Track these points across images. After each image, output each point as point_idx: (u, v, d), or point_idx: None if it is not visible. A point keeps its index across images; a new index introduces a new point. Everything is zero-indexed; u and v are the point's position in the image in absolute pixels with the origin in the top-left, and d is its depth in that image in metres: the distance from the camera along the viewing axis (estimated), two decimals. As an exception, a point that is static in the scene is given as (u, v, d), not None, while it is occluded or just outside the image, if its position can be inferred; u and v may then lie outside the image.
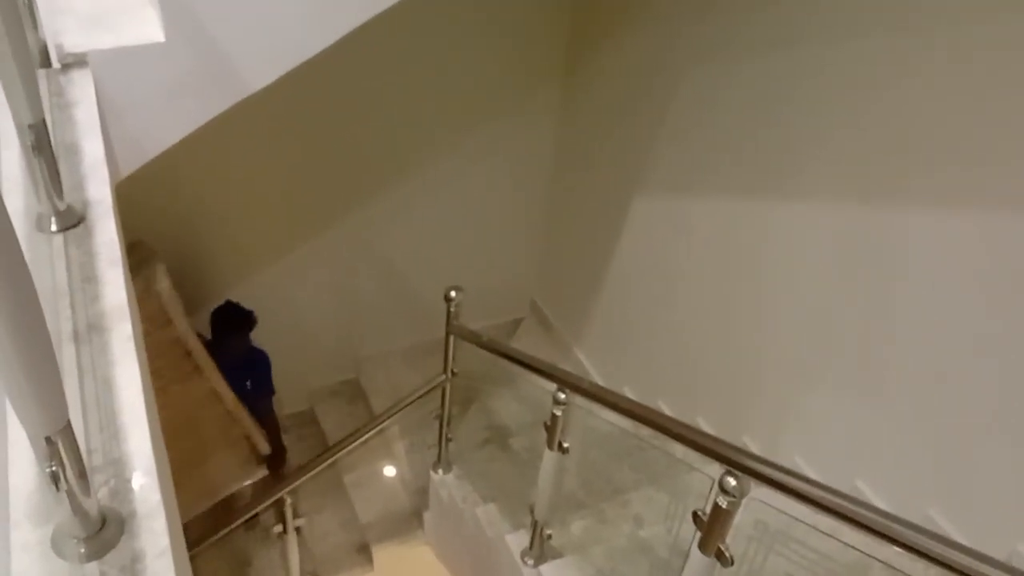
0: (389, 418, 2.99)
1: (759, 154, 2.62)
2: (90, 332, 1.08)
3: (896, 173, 2.11)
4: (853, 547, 1.43)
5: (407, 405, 2.94)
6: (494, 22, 3.54)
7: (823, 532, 1.50)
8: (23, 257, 0.63)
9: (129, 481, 0.90)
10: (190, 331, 2.86)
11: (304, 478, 2.93)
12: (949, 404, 2.08)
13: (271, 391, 3.48)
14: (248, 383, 3.29)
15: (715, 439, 1.54)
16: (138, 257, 2.78)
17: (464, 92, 3.67)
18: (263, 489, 3.16)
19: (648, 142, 3.23)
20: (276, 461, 3.50)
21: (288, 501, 2.90)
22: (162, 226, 3.16)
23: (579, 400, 2.07)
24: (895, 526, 1.23)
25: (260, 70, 1.79)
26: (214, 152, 3.14)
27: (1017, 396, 1.89)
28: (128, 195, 2.94)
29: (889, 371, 2.26)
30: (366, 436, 3.01)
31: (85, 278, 1.15)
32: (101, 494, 0.86)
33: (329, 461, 2.97)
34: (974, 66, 1.85)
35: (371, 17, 1.87)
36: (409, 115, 3.61)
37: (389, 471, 3.94)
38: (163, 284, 2.74)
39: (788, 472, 1.38)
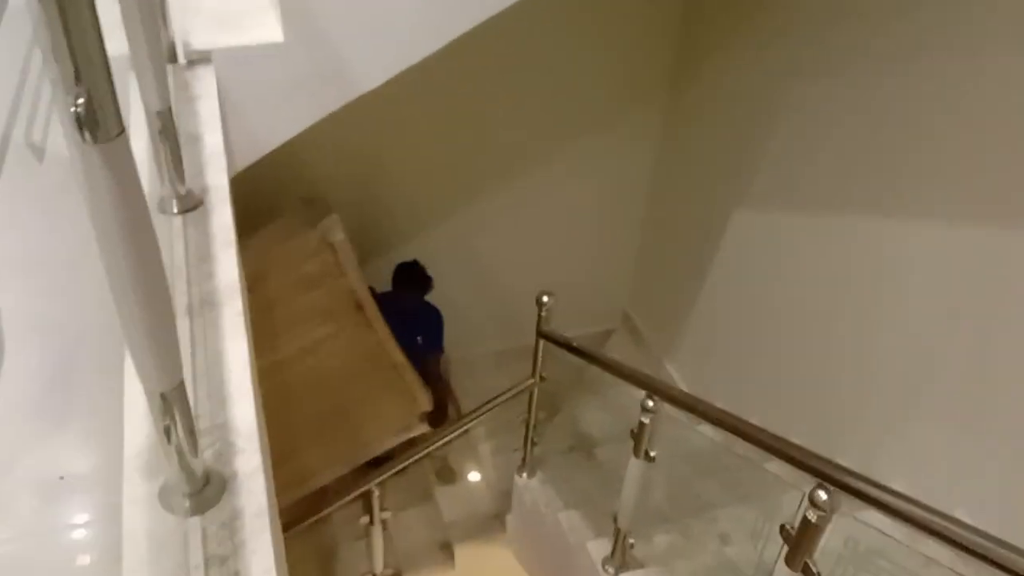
0: (477, 418, 3.02)
1: (866, 172, 2.54)
2: (203, 307, 1.15)
3: (1012, 190, 2.02)
4: (942, 563, 1.37)
5: (495, 407, 2.97)
6: (603, 37, 3.57)
7: (922, 554, 1.44)
8: (155, 236, 0.69)
9: (233, 445, 0.95)
10: (362, 283, 3.02)
11: (392, 471, 3.00)
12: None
13: (440, 350, 3.63)
14: (419, 338, 3.46)
15: (806, 451, 1.50)
16: (316, 211, 2.98)
17: (571, 101, 3.71)
18: (353, 480, 3.25)
19: (750, 158, 3.18)
20: (439, 416, 3.59)
21: (376, 493, 2.96)
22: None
23: (669, 411, 2.05)
24: (986, 543, 1.17)
25: (370, 72, 1.86)
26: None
27: None
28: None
29: (998, 401, 2.15)
30: (454, 435, 3.06)
31: (201, 257, 1.23)
32: (206, 455, 0.92)
33: (417, 456, 3.03)
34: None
35: (477, 23, 1.92)
36: (515, 121, 3.68)
37: (474, 473, 3.99)
38: (338, 236, 2.91)
39: (881, 487, 1.33)
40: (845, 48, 2.57)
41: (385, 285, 3.46)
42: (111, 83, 0.61)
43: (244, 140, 1.77)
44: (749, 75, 3.17)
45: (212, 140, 1.53)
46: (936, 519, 1.25)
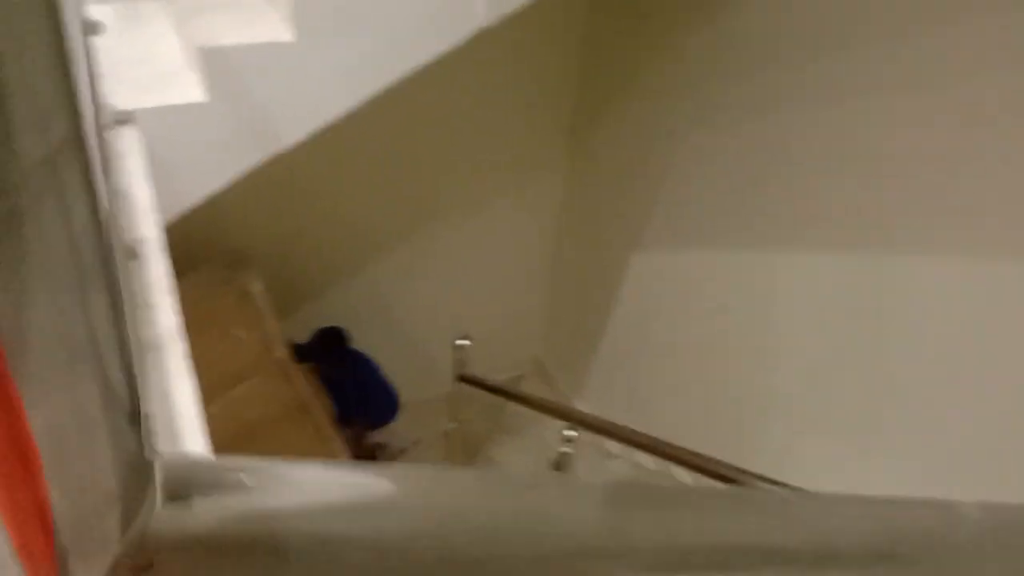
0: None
1: (757, 209, 2.77)
2: (150, 351, 1.20)
3: (890, 225, 2.25)
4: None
5: (414, 452, 3.02)
6: (506, 90, 3.74)
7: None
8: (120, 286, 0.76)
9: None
10: (279, 335, 3.03)
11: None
12: (944, 451, 2.17)
13: (391, 402, 3.56)
14: (368, 413, 3.45)
15: (715, 460, 1.64)
16: (235, 264, 3.02)
17: (478, 153, 3.85)
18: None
19: (652, 201, 3.39)
20: None
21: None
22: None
23: (587, 442, 2.17)
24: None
25: (293, 128, 1.95)
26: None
27: (1006, 438, 1.99)
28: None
29: (887, 419, 2.36)
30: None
31: (142, 305, 1.28)
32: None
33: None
34: (961, 121, 2.01)
35: (393, 82, 2.04)
36: (425, 174, 3.79)
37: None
38: (256, 288, 2.95)
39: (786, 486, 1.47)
40: (728, 99, 2.81)
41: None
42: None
43: (169, 195, 1.81)
44: (641, 125, 3.40)
45: (141, 195, 1.58)
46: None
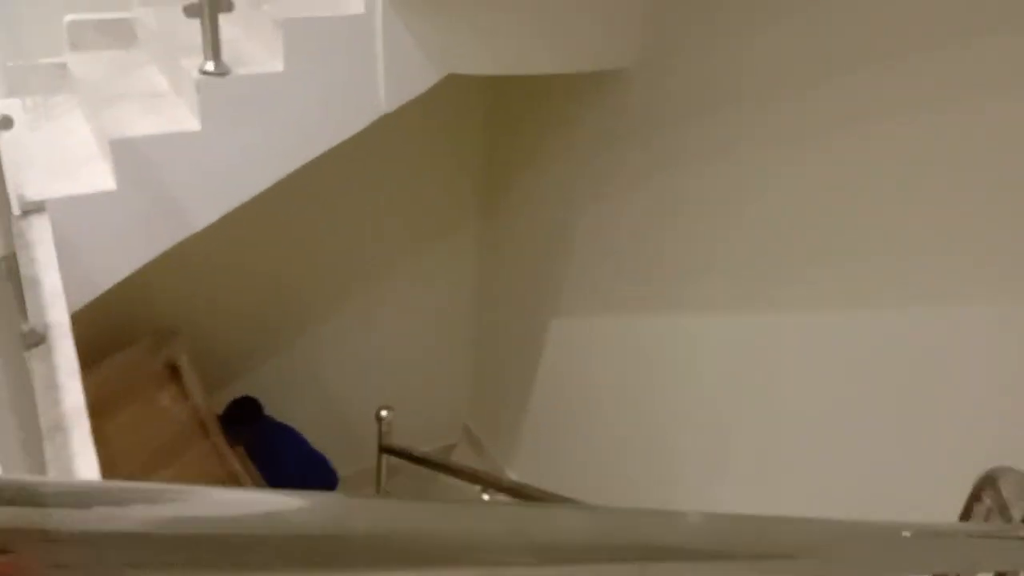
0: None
1: (655, 271, 2.93)
2: (54, 432, 1.25)
3: (770, 278, 2.43)
4: None
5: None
6: (419, 159, 3.89)
7: None
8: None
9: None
10: (209, 408, 3.06)
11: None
12: (830, 489, 2.31)
13: (327, 473, 3.56)
14: (283, 458, 3.41)
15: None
16: (161, 336, 3.04)
17: (395, 226, 3.97)
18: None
19: (563, 266, 3.54)
20: None
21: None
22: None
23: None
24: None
25: (202, 211, 2.03)
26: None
27: (882, 473, 2.14)
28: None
29: (778, 462, 2.50)
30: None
31: (49, 387, 1.33)
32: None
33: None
34: (832, 172, 2.20)
35: (302, 164, 2.15)
36: (344, 246, 3.87)
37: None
38: (182, 360, 2.99)
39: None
40: (621, 166, 3.00)
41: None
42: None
43: (82, 279, 1.86)
44: (545, 194, 3.58)
45: (50, 282, 1.63)
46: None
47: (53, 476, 1.15)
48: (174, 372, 3.00)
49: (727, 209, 2.54)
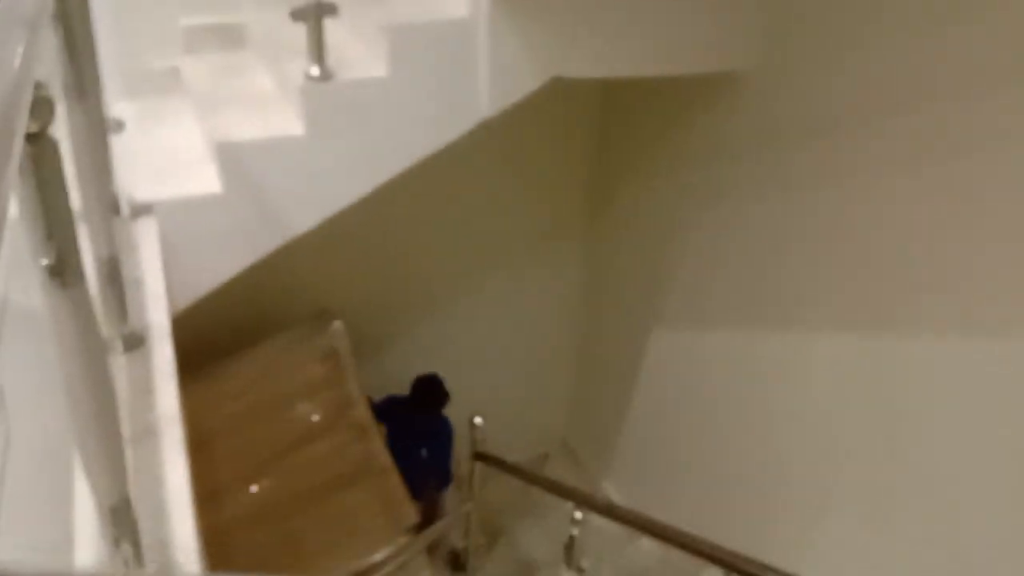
0: (414, 548, 3.04)
1: (768, 289, 2.78)
2: (146, 436, 1.24)
3: (887, 300, 2.25)
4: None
5: (434, 534, 3.00)
6: (523, 169, 3.84)
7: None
8: (108, 365, 0.81)
9: (174, 560, 1.03)
10: (360, 393, 3.08)
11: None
12: (962, 538, 2.11)
13: (445, 469, 3.55)
14: (424, 451, 3.41)
15: (731, 553, 1.61)
16: (321, 320, 3.08)
17: (499, 233, 3.93)
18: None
19: (668, 279, 3.41)
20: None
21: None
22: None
23: (605, 526, 2.15)
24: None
25: (304, 216, 2.03)
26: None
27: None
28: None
29: (903, 502, 2.30)
30: (389, 567, 3.05)
31: (144, 390, 1.33)
32: (149, 569, 1.00)
33: (356, 591, 3.01)
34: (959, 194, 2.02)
35: (399, 172, 2.12)
36: (447, 254, 3.86)
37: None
38: (342, 344, 3.02)
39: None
40: (733, 182, 2.86)
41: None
42: (76, 242, 0.74)
43: (185, 282, 1.89)
44: (656, 206, 3.45)
45: (153, 284, 1.65)
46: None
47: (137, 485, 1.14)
48: (332, 354, 3.06)
49: (844, 232, 2.37)
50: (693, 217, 3.15)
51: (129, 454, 1.19)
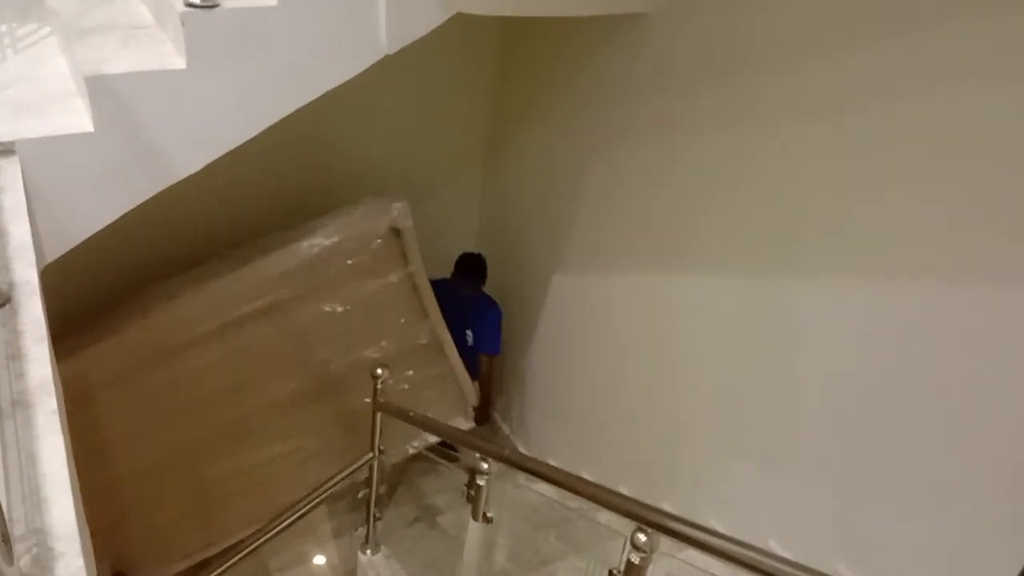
0: (316, 501, 2.97)
1: (663, 229, 2.79)
2: (15, 407, 1.11)
3: (783, 244, 2.29)
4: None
5: (334, 486, 2.93)
6: (418, 108, 3.72)
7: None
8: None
9: (52, 549, 0.92)
10: (423, 272, 3.22)
11: (225, 566, 2.87)
12: (849, 464, 2.21)
13: (494, 349, 3.70)
14: (470, 332, 3.57)
15: (624, 497, 1.62)
16: (383, 201, 3.12)
17: (391, 173, 3.81)
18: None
19: (563, 223, 3.39)
20: (482, 415, 3.73)
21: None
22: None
23: (505, 473, 2.13)
24: (795, 571, 1.31)
25: (187, 159, 1.86)
26: None
27: (905, 453, 2.03)
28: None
29: (794, 434, 2.39)
30: (290, 519, 2.98)
31: (10, 355, 1.19)
32: (24, 562, 0.89)
33: (252, 547, 2.92)
34: (853, 143, 2.05)
35: (298, 107, 1.98)
36: (338, 187, 3.71)
37: (318, 556, 3.87)
38: (407, 223, 3.10)
39: (694, 525, 1.46)
40: (632, 123, 2.83)
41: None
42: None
43: (54, 231, 1.71)
44: (548, 146, 3.42)
45: (19, 233, 1.48)
46: (746, 552, 1.37)
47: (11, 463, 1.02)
48: (396, 234, 3.11)
49: (742, 175, 2.39)
50: (589, 158, 3.13)
51: (-5, 430, 1.07)
